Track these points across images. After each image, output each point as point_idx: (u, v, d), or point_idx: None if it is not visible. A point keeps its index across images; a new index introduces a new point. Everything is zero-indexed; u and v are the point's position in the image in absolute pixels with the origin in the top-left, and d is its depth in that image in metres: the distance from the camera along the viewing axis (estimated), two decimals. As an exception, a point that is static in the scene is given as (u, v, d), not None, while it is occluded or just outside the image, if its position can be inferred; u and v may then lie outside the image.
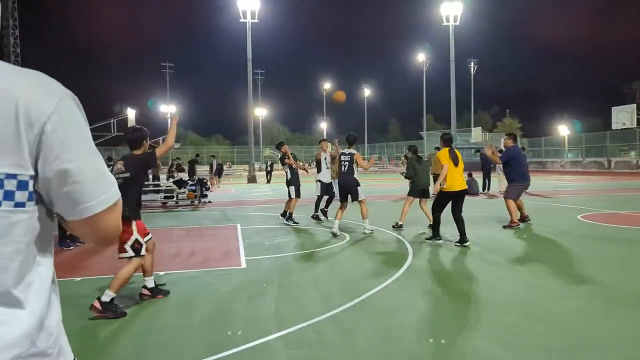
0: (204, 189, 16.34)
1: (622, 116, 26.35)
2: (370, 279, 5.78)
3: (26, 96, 0.94)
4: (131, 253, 4.70)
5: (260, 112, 61.83)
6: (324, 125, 70.22)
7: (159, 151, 4.88)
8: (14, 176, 0.95)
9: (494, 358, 3.52)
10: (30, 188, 0.97)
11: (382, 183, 25.28)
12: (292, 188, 10.65)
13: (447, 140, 7.97)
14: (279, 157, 11.47)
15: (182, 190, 15.67)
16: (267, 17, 37.47)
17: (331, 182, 11.55)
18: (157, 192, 16.17)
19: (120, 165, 4.82)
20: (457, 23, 33.62)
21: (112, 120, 19.68)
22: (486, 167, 18.32)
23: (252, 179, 28.63)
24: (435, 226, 7.96)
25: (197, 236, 9.34)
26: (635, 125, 25.70)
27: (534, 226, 9.54)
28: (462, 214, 7.72)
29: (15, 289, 0.97)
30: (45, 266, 1.04)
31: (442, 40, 35.41)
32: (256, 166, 37.13)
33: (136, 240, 4.71)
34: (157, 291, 5.16)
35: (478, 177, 18.17)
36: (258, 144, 44.97)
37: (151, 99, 61.76)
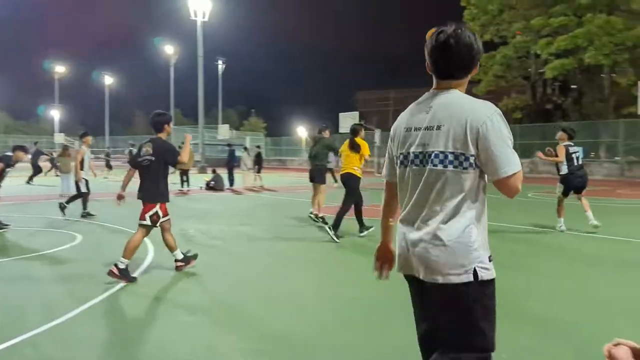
0: None
1: (347, 121, 30.17)
2: (100, 283, 5.21)
3: (472, 113, 1.88)
4: (148, 222, 5.33)
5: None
6: (55, 113, 62.47)
7: (180, 158, 5.44)
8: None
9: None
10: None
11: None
12: None
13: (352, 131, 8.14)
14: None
15: None
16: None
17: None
18: None
19: (148, 148, 5.34)
20: (206, 19, 33.77)
21: None
22: (231, 164, 18.85)
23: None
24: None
25: None
26: (357, 129, 29.68)
27: (266, 220, 10.16)
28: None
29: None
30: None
31: (191, 35, 35.11)
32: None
33: (155, 213, 5.36)
34: (187, 259, 5.78)
35: (223, 173, 18.61)
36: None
37: None
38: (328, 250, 7.15)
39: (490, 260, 1.94)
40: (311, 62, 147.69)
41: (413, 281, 2.06)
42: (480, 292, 1.90)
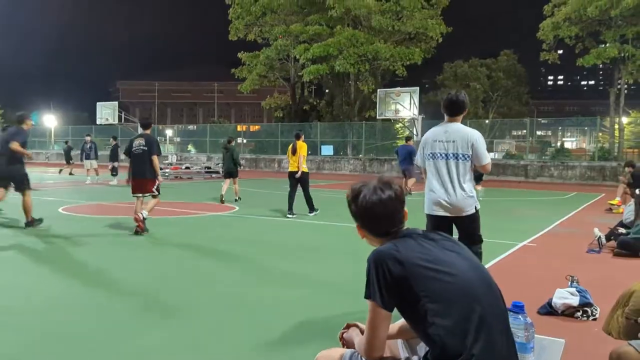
0: None
1: (105, 112, 27.90)
2: None
3: (470, 134, 4.12)
4: (156, 192, 7.79)
5: None
6: None
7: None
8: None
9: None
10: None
11: None
12: None
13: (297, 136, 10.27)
14: None
15: None
16: None
17: None
18: None
19: (141, 140, 7.65)
20: None
21: None
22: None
23: None
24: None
25: None
26: (117, 121, 27.67)
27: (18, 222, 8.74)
28: None
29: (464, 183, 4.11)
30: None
31: None
32: None
33: (158, 185, 7.84)
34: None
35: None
36: None
37: None
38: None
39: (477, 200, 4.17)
40: (67, 44, 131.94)
41: (443, 218, 4.07)
42: (478, 214, 4.13)
